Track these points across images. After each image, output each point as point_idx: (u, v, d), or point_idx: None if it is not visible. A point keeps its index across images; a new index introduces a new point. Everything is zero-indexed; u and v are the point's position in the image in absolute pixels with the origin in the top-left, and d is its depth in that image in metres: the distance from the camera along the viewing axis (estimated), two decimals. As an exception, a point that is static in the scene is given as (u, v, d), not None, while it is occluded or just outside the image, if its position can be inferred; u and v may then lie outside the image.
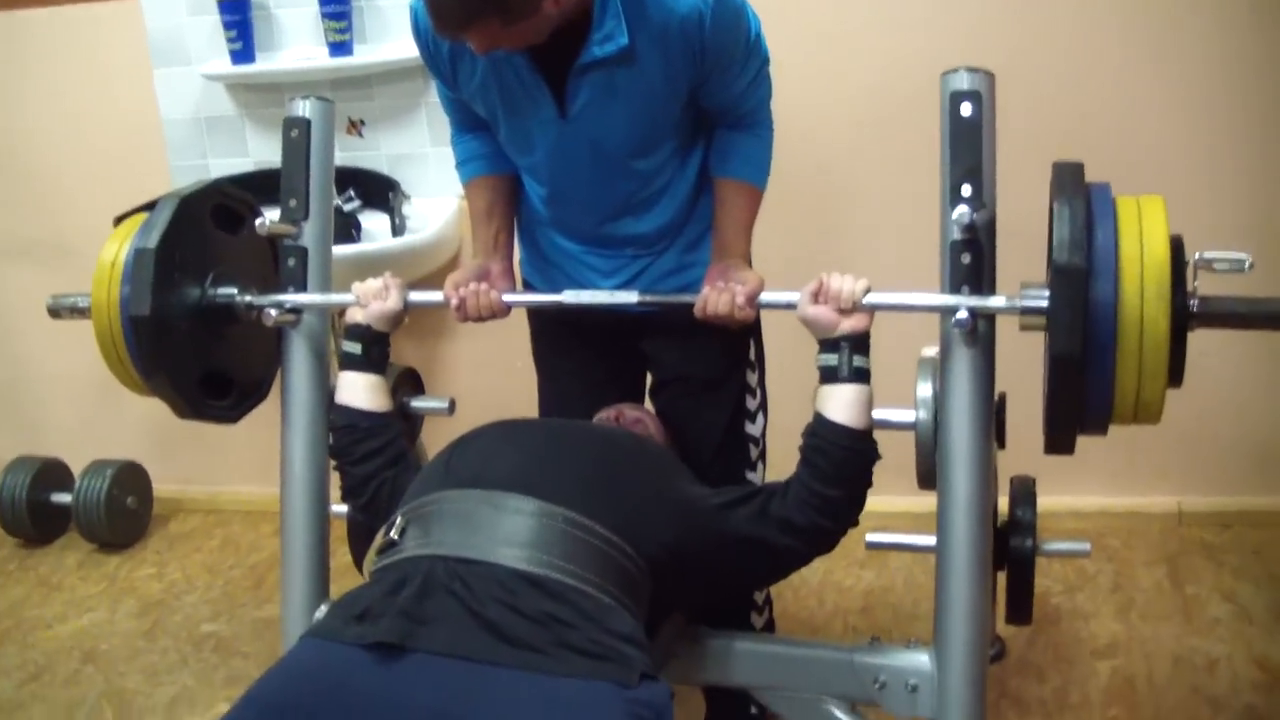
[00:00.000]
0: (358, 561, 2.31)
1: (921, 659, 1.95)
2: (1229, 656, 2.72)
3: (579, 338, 2.36)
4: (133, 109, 3.54)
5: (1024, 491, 2.21)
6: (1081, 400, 1.72)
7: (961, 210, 1.81)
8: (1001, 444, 2.08)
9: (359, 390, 2.10)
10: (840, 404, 1.88)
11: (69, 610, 3.36)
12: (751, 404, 2.35)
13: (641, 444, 2.07)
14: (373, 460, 2.04)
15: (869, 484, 1.90)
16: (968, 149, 1.86)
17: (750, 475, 2.36)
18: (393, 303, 2.12)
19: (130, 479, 3.73)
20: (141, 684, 2.94)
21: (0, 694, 2.95)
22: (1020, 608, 2.17)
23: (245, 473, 3.84)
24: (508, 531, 1.69)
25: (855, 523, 1.91)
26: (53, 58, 3.57)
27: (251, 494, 3.86)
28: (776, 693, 2.04)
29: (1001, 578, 2.13)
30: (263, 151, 3.48)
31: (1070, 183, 1.73)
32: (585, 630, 1.58)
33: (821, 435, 1.87)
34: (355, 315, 2.14)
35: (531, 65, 1.98)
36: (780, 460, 2.05)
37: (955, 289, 1.86)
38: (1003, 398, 2.04)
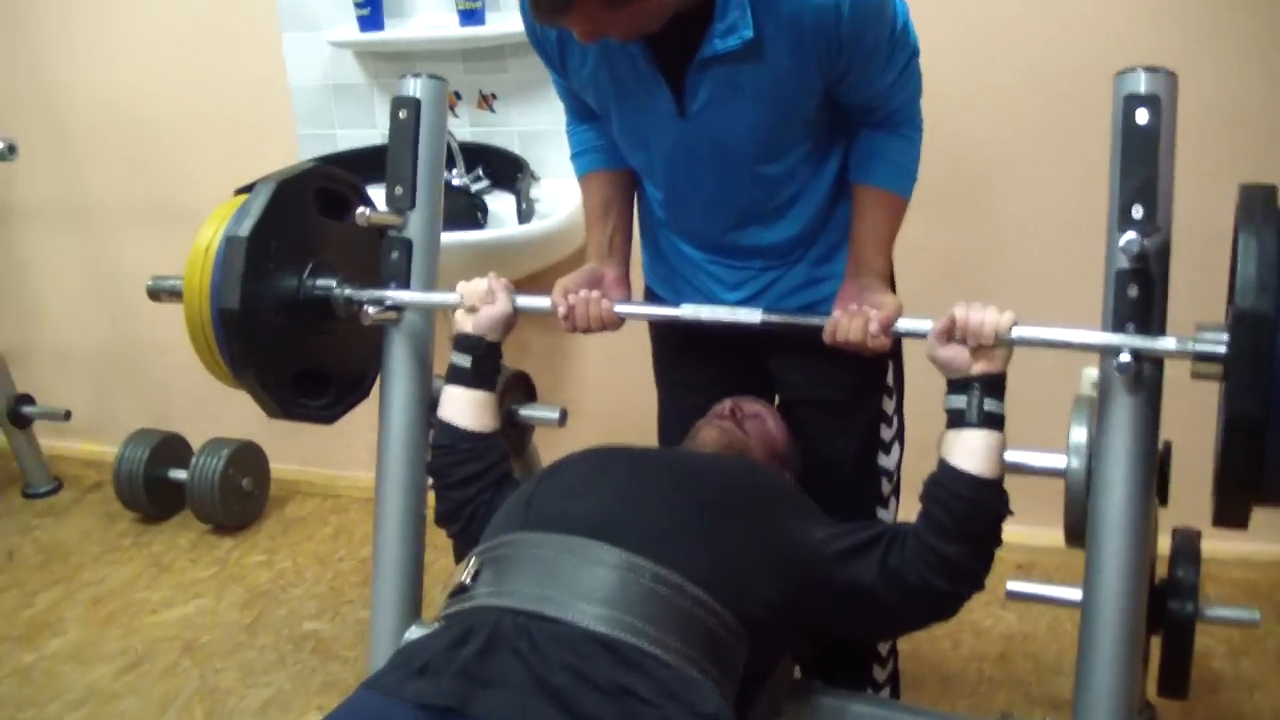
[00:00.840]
0: None
1: (1058, 742, 1.72)
2: None
3: (701, 352, 2.15)
4: (261, 75, 3.42)
5: (1187, 548, 1.95)
6: (1259, 468, 1.46)
7: (1130, 237, 1.57)
8: (1164, 500, 1.82)
9: (463, 408, 1.94)
10: (966, 450, 1.65)
11: (176, 595, 3.28)
12: (887, 433, 2.12)
13: (749, 475, 1.85)
14: (472, 485, 1.89)
15: (997, 542, 1.67)
16: (1142, 162, 1.61)
17: (882, 512, 2.15)
18: (502, 306, 1.96)
19: (246, 460, 3.64)
20: (236, 683, 2.83)
21: (99, 681, 2.87)
22: (1176, 681, 1.93)
23: (366, 458, 3.72)
24: (587, 586, 1.51)
25: (979, 586, 1.68)
26: (182, 21, 3.46)
27: (370, 479, 3.73)
28: (893, 764, 1.83)
29: (1155, 639, 1.89)
30: (391, 124, 3.33)
31: (1260, 210, 1.47)
32: (662, 708, 1.39)
33: (943, 484, 1.66)
34: (464, 324, 1.98)
35: (647, 56, 1.77)
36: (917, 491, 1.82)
37: (1119, 325, 1.62)
38: (1168, 448, 1.78)
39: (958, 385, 1.68)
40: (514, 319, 1.99)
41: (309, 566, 3.41)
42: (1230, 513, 1.55)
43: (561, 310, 1.97)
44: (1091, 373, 2.88)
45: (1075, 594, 1.79)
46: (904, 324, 1.79)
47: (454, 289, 2.02)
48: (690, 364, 2.21)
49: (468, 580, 1.59)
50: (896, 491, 2.16)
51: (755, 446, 1.97)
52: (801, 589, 1.64)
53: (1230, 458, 1.47)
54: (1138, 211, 1.60)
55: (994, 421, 1.66)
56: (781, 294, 2.03)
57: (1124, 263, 1.60)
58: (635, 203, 2.14)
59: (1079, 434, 1.82)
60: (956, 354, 1.67)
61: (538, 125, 3.23)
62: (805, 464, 2.07)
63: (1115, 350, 1.60)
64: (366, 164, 3.21)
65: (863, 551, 1.67)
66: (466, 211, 3.08)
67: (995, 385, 1.67)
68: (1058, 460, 1.82)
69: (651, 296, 2.21)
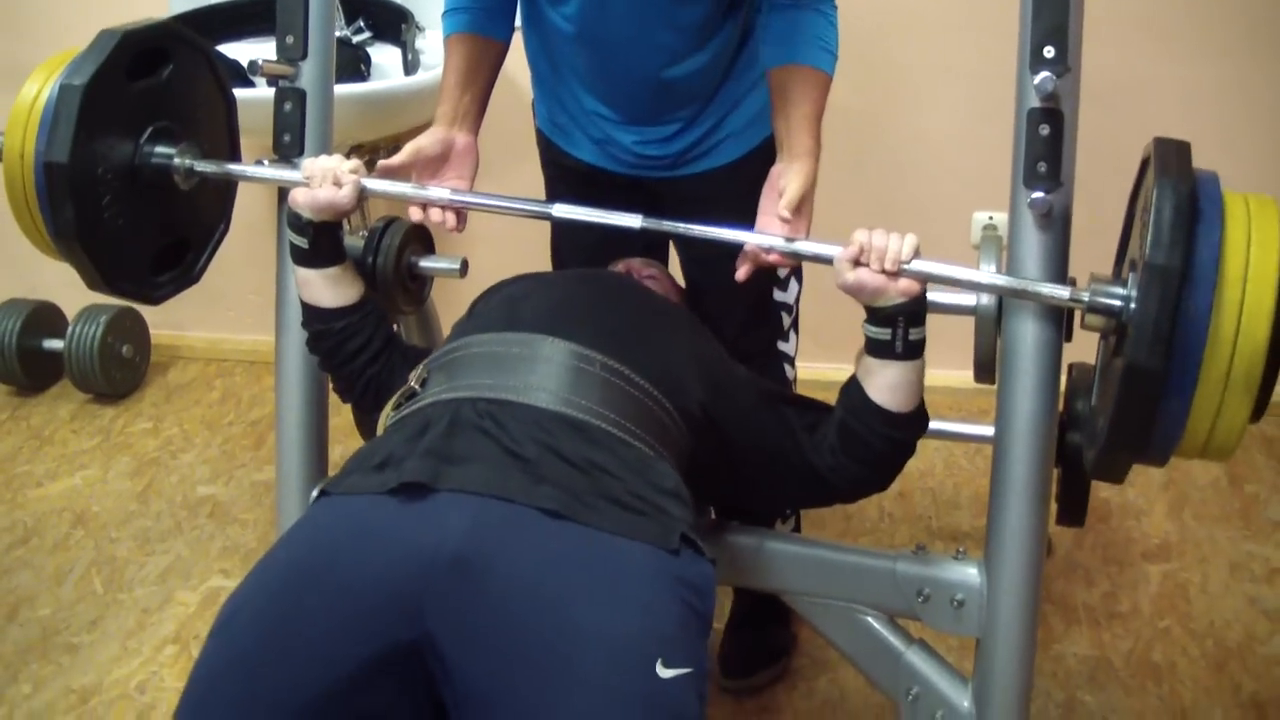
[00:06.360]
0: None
1: (970, 572, 1.77)
2: (1289, 566, 2.57)
3: (597, 191, 2.14)
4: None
5: (1085, 382, 2.00)
6: (1150, 426, 1.46)
7: (1044, 75, 1.58)
8: (1069, 336, 1.87)
9: (319, 288, 1.85)
10: (887, 387, 1.64)
11: (60, 467, 3.20)
12: (782, 269, 2.15)
13: (668, 303, 1.91)
14: (360, 357, 1.84)
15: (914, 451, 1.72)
16: (1053, 3, 1.62)
17: (782, 345, 2.21)
18: (344, 196, 1.80)
19: (125, 326, 3.55)
20: (133, 552, 2.80)
21: (-13, 556, 2.82)
22: (1075, 510, 1.99)
23: (249, 320, 3.67)
24: (542, 375, 1.54)
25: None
26: None
27: (254, 342, 3.69)
28: (809, 599, 1.86)
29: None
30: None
31: (1176, 166, 1.45)
32: (627, 481, 1.42)
33: (863, 420, 1.65)
34: (297, 198, 1.83)
35: None
36: (816, 326, 1.82)
37: (1031, 163, 1.63)
38: (1073, 283, 1.82)
39: (880, 317, 1.62)
40: (352, 209, 1.84)
41: (197, 432, 3.36)
42: (1112, 468, 1.56)
43: (451, 223, 1.91)
44: (981, 217, 2.96)
45: (984, 430, 1.84)
46: (800, 246, 1.74)
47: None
48: (585, 203, 2.21)
49: (417, 386, 1.60)
50: (796, 325, 2.21)
51: None
52: (724, 402, 1.68)
53: (1125, 414, 1.45)
54: (1049, 51, 1.61)
55: (918, 350, 1.64)
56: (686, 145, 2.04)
57: (1035, 101, 1.62)
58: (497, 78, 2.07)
59: (988, 270, 1.85)
60: (869, 277, 1.59)
61: (419, -27, 3.14)
62: (704, 302, 2.09)
63: (1012, 292, 1.65)
64: (246, 17, 3.11)
65: (783, 411, 1.72)
66: (349, 64, 3.00)
67: (918, 313, 1.63)
68: (967, 299, 1.85)
69: (544, 142, 2.21)
